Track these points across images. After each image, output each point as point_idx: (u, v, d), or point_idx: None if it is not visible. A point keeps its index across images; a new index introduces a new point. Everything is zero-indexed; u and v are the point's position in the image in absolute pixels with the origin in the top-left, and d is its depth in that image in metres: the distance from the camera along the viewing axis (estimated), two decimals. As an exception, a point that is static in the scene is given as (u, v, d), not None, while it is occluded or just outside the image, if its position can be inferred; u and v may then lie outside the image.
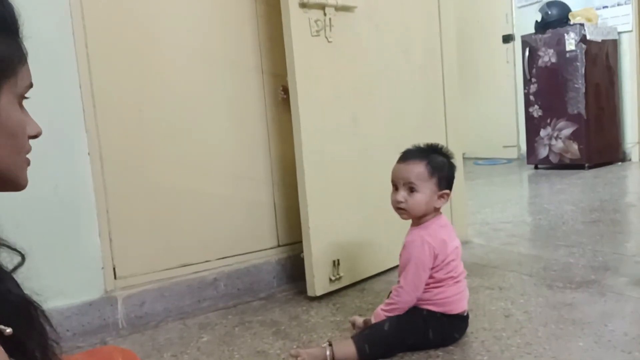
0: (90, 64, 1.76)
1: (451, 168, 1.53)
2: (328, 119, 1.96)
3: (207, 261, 2.00)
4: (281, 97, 2.08)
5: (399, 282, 1.48)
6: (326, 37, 1.92)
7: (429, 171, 1.46)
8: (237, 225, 2.07)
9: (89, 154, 1.75)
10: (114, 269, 1.83)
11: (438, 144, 1.57)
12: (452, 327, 1.47)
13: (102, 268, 1.79)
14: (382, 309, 1.48)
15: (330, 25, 1.93)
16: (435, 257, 1.44)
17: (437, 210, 1.51)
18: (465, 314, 1.50)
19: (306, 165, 1.88)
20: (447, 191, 1.49)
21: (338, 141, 2.00)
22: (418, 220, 1.50)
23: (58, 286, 1.70)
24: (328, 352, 1.38)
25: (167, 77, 1.91)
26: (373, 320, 1.48)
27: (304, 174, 1.88)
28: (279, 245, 2.17)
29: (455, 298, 1.46)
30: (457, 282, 1.47)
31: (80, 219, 1.75)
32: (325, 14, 1.91)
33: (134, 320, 1.83)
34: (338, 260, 1.97)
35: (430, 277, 1.45)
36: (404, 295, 1.44)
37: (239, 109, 2.06)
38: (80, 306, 1.75)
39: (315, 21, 1.88)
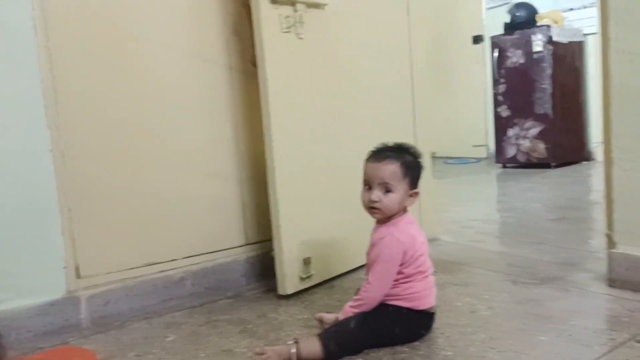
0: (52, 57, 1.72)
1: (420, 168, 1.54)
2: (299, 115, 1.95)
3: (173, 260, 1.97)
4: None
5: (367, 279, 1.48)
6: (297, 34, 1.91)
7: (403, 171, 1.47)
8: (205, 223, 2.04)
9: (51, 150, 1.71)
10: (76, 268, 1.79)
11: (407, 144, 1.56)
12: (419, 323, 1.48)
13: (65, 267, 1.75)
14: (350, 306, 1.48)
15: (301, 22, 1.92)
16: (405, 253, 1.44)
17: (405, 209, 1.52)
18: (432, 310, 1.50)
19: (277, 162, 1.87)
20: (417, 190, 1.50)
21: (309, 139, 1.99)
22: (387, 218, 1.50)
23: (19, 286, 1.65)
24: (294, 350, 1.37)
25: (134, 71, 1.88)
26: (341, 317, 1.48)
27: (274, 171, 1.87)
28: (247, 244, 2.15)
29: (423, 293, 1.47)
30: (426, 277, 1.48)
31: (41, 217, 1.70)
32: (295, 11, 1.90)
33: (98, 321, 1.79)
34: (309, 258, 1.96)
35: (400, 272, 1.45)
36: (372, 291, 1.45)
37: (207, 105, 2.03)
38: (42, 306, 1.70)
39: (286, 17, 1.87)
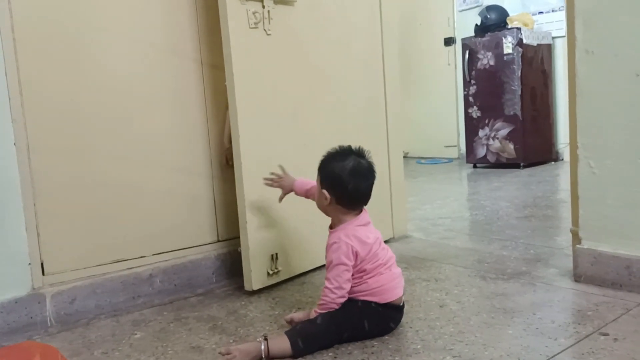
0: (17, 49, 1.68)
1: (330, 171, 1.52)
2: (267, 112, 1.94)
3: (142, 257, 1.94)
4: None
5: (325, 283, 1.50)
6: (265, 30, 1.90)
7: (319, 176, 1.55)
8: (175, 220, 2.02)
9: (15, 144, 1.67)
10: (41, 264, 1.75)
11: (353, 147, 1.57)
12: (388, 317, 1.48)
13: (29, 264, 1.71)
14: (315, 311, 1.49)
15: (269, 18, 1.91)
16: (356, 253, 1.46)
17: (351, 213, 1.52)
18: (401, 304, 1.51)
19: (243, 159, 1.86)
20: (324, 192, 1.51)
21: (277, 135, 1.99)
22: (336, 223, 1.54)
23: (-20, 283, 1.61)
24: (263, 347, 1.37)
25: (102, 64, 1.85)
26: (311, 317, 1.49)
27: (241, 167, 1.86)
28: (218, 241, 2.13)
29: (390, 285, 1.48)
30: (389, 267, 1.49)
31: (5, 212, 1.66)
32: (263, 6, 1.89)
33: (64, 318, 1.76)
34: (276, 254, 1.96)
35: (361, 270, 1.47)
36: (330, 294, 1.46)
37: (178, 100, 2.01)
38: (5, 304, 1.66)
39: (254, 13, 1.86)
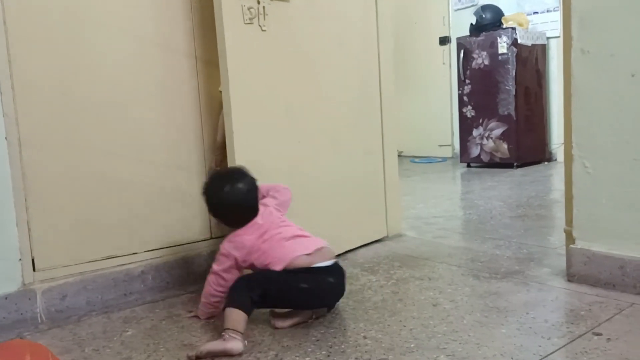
0: (8, 42, 1.66)
1: (206, 198, 1.68)
2: (261, 109, 1.93)
3: (134, 253, 1.93)
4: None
5: None
6: (260, 26, 1.89)
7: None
8: (168, 217, 2.00)
9: (6, 138, 1.65)
10: (32, 260, 1.73)
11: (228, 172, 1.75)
12: (320, 274, 1.57)
13: (20, 260, 1.69)
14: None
15: (264, 14, 1.90)
16: (238, 252, 1.60)
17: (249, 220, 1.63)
18: (331, 264, 1.60)
19: (237, 154, 1.84)
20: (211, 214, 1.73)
21: (271, 132, 1.98)
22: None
23: (-30, 279, 1.59)
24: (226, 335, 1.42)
25: (95, 58, 1.83)
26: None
27: (234, 163, 1.84)
28: (211, 238, 2.12)
29: (294, 249, 1.57)
30: (291, 238, 1.60)
31: (-5, 208, 1.65)
32: (259, 2, 1.88)
33: (54, 315, 1.74)
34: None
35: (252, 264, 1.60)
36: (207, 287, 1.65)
37: (171, 95, 1.99)
38: (-5, 300, 1.65)
39: (249, 9, 1.85)
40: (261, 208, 1.68)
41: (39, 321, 1.72)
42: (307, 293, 1.55)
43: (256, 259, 1.59)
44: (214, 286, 1.63)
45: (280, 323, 1.56)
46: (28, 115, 1.71)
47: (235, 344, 1.39)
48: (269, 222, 1.64)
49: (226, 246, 1.62)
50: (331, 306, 1.65)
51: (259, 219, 1.64)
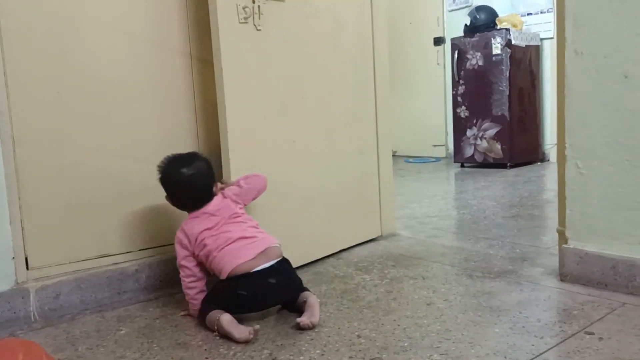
0: (3, 40, 1.65)
1: (165, 177, 1.71)
2: (256, 108, 1.93)
3: (128, 252, 1.92)
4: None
5: None
6: (255, 25, 1.89)
7: None
8: (162, 215, 2.00)
9: (-1, 136, 1.65)
10: (26, 258, 1.72)
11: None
12: (260, 277, 1.57)
13: (13, 258, 1.69)
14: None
15: (259, 13, 1.90)
16: (184, 240, 1.66)
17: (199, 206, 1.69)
18: (272, 265, 1.60)
19: (232, 153, 1.85)
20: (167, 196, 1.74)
21: (265, 131, 1.98)
22: None
23: (-38, 277, 1.58)
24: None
25: (89, 56, 1.82)
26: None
27: (228, 164, 1.85)
28: (205, 237, 2.11)
29: (236, 256, 1.58)
30: (224, 247, 1.60)
31: (-12, 205, 1.64)
32: (254, 2, 1.88)
33: (48, 313, 1.74)
34: (265, 251, 1.94)
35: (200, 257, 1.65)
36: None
37: (166, 93, 1.99)
38: (-12, 298, 1.64)
39: (244, 8, 1.85)
40: (217, 198, 1.71)
41: (32, 320, 1.71)
42: (246, 299, 1.57)
43: (209, 263, 1.63)
44: (184, 279, 1.68)
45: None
46: (22, 113, 1.70)
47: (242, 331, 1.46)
48: (220, 215, 1.68)
49: (177, 235, 1.68)
50: (290, 301, 1.65)
51: (209, 209, 1.68)
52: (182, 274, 1.69)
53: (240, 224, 1.68)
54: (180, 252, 1.68)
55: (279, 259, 1.63)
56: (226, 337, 1.48)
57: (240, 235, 1.63)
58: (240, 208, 1.74)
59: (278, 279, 1.60)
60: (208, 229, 1.65)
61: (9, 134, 1.67)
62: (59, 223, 1.78)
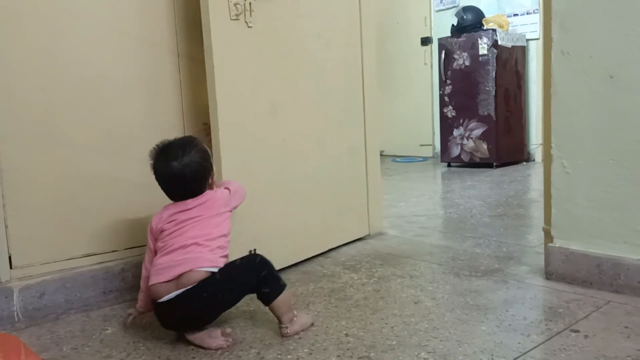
0: (-14, 36, 1.63)
1: (154, 168, 1.58)
2: (246, 106, 1.92)
3: (114, 251, 1.90)
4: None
5: None
6: (246, 22, 1.88)
7: None
8: (148, 214, 1.97)
9: (-18, 133, 1.62)
10: (9, 257, 1.70)
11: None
12: (165, 309, 1.45)
13: (-4, 257, 1.66)
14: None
15: (251, 10, 1.89)
16: (152, 228, 1.59)
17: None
18: (176, 296, 1.42)
19: (223, 153, 1.83)
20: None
21: (256, 129, 1.97)
22: None
23: (-56, 276, 1.56)
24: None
25: (75, 53, 1.80)
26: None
27: (220, 162, 1.83)
28: (192, 235, 2.10)
29: (157, 273, 1.46)
30: (167, 253, 1.48)
31: (-29, 204, 1.61)
32: (244, -1, 1.87)
33: (32, 313, 1.71)
34: (254, 250, 1.94)
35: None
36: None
37: (154, 91, 1.97)
38: (-30, 298, 1.62)
39: (235, 5, 1.84)
40: (207, 194, 1.58)
41: (16, 319, 1.69)
42: (165, 325, 1.50)
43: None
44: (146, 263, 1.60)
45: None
46: (6, 111, 1.67)
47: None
48: (199, 210, 1.54)
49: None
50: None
51: (191, 202, 1.55)
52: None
53: (201, 229, 1.51)
54: (151, 239, 1.60)
55: (188, 287, 1.42)
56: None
57: (181, 245, 1.48)
58: (228, 211, 1.61)
59: (183, 312, 1.43)
60: (171, 221, 1.54)
61: (-7, 131, 1.65)
62: (43, 222, 1.76)
